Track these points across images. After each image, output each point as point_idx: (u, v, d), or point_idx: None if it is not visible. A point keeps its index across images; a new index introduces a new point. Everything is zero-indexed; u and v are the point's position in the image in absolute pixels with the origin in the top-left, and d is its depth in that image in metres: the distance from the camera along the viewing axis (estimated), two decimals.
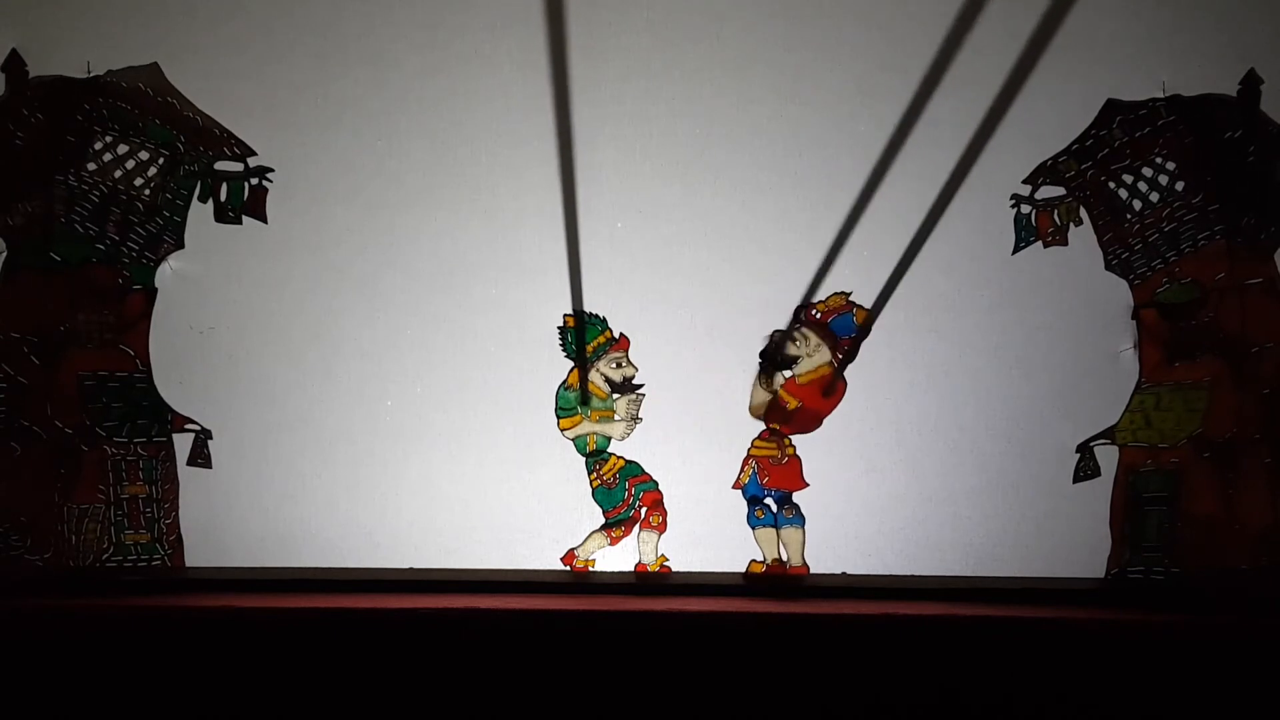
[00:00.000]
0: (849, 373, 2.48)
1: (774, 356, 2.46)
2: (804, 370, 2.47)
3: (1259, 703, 2.18)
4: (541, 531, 2.50)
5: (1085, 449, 2.48)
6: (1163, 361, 2.47)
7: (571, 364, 2.49)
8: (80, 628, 2.23)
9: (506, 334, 2.49)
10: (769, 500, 2.48)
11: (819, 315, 2.47)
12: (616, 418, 2.50)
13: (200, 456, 2.49)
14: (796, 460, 2.49)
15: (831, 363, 2.47)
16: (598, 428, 2.49)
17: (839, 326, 2.47)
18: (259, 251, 2.50)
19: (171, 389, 2.49)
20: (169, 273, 2.50)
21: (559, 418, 2.49)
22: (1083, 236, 2.49)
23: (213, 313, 2.50)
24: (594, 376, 2.49)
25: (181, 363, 2.50)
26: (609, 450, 2.49)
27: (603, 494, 2.49)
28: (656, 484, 2.50)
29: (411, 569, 2.49)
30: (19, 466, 2.45)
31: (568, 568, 2.49)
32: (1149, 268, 2.48)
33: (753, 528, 2.49)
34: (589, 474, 2.49)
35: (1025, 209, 2.48)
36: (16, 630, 2.24)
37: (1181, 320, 2.46)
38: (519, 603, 2.28)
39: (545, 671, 2.21)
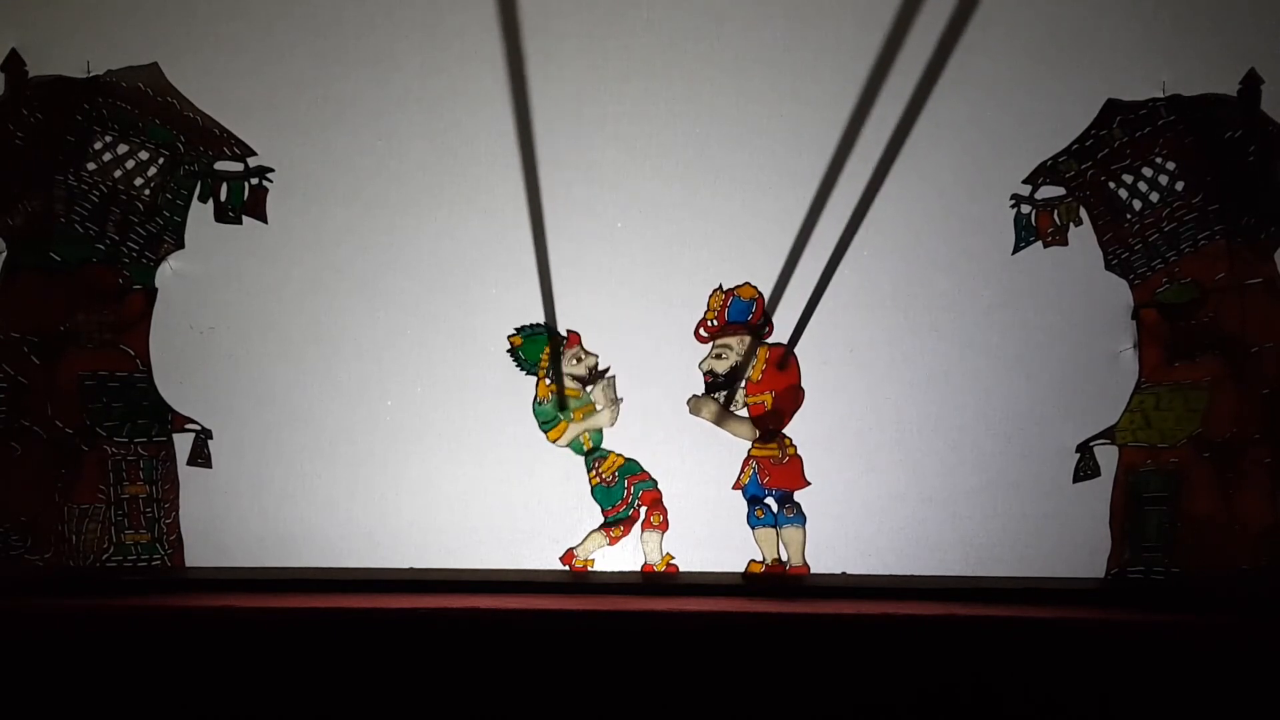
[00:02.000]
0: (849, 371, 2.48)
1: (719, 383, 2.46)
2: (748, 369, 2.47)
3: (1258, 703, 2.17)
4: (541, 531, 2.50)
5: (1085, 449, 2.48)
6: (1163, 361, 2.47)
7: (532, 380, 2.48)
8: (80, 628, 2.23)
9: (506, 334, 2.49)
10: (769, 500, 2.48)
11: (714, 323, 2.47)
12: (599, 408, 2.49)
13: (200, 456, 2.49)
14: (797, 459, 2.48)
15: (762, 343, 2.47)
16: (586, 424, 2.49)
17: (735, 314, 2.47)
18: (259, 251, 2.50)
19: (171, 389, 2.49)
20: (169, 273, 2.50)
21: (545, 432, 2.48)
22: (1083, 236, 2.49)
23: (213, 313, 2.50)
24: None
25: (181, 363, 2.50)
26: (605, 447, 2.49)
27: (601, 492, 2.49)
28: (656, 483, 2.50)
29: (411, 569, 2.49)
30: (19, 466, 2.45)
31: (567, 568, 2.49)
32: (1149, 268, 2.48)
33: (752, 528, 2.48)
34: (588, 472, 2.49)
35: (1025, 209, 2.48)
36: (16, 630, 2.23)
37: (1181, 320, 2.46)
38: (519, 603, 2.28)
39: (545, 672, 2.21)
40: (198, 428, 2.49)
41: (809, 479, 2.48)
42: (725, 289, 2.47)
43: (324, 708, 2.21)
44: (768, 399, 2.48)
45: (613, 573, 2.49)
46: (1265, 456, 2.44)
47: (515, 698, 2.21)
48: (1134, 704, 2.19)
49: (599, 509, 2.49)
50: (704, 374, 2.48)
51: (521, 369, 2.48)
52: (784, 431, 2.49)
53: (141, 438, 2.49)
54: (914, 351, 2.49)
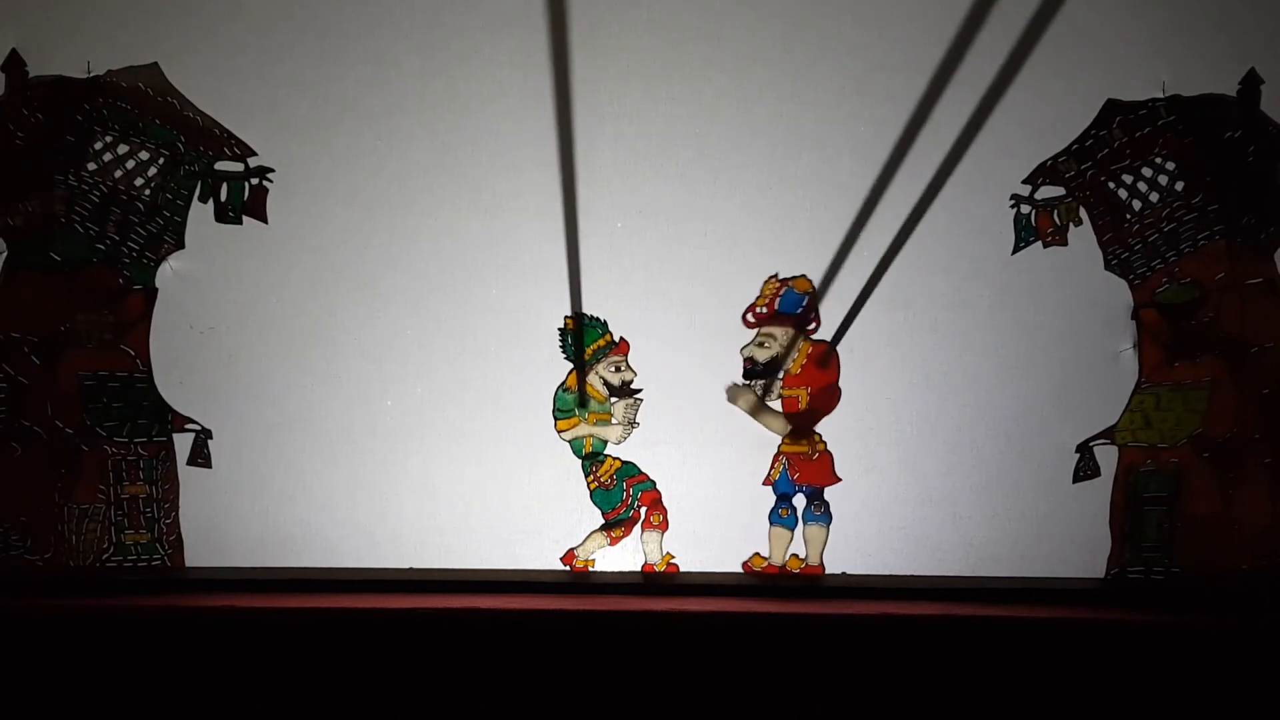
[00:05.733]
0: (849, 371, 2.48)
1: (757, 372, 2.46)
2: (788, 361, 2.47)
3: (1259, 702, 2.18)
4: (541, 531, 2.50)
5: (1085, 449, 2.48)
6: (1163, 361, 2.47)
7: (571, 366, 2.49)
8: (80, 628, 2.23)
9: (506, 334, 2.49)
10: (798, 498, 2.48)
11: (764, 310, 2.46)
12: (614, 421, 2.50)
13: (200, 456, 2.49)
14: (828, 455, 2.48)
15: (807, 337, 2.47)
16: (594, 430, 2.49)
17: (786, 305, 2.47)
18: (259, 251, 2.50)
19: (171, 389, 2.49)
20: (169, 273, 2.50)
21: (556, 419, 2.49)
22: (1083, 236, 2.49)
23: (213, 313, 2.50)
24: (592, 379, 2.49)
25: (181, 363, 2.50)
26: (605, 452, 2.49)
27: (600, 495, 2.49)
28: (654, 483, 2.50)
29: (411, 569, 2.49)
30: (19, 466, 2.45)
31: (567, 568, 2.49)
32: (1149, 268, 2.48)
33: (771, 524, 2.48)
34: (585, 476, 2.49)
35: (1025, 209, 2.48)
36: (16, 630, 2.24)
37: (1181, 320, 2.46)
38: (519, 603, 2.28)
39: (545, 672, 2.21)
40: (198, 428, 2.49)
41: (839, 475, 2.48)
42: (780, 278, 2.46)
43: (324, 708, 2.21)
44: (803, 394, 2.47)
45: (613, 573, 2.50)
46: (1265, 456, 2.44)
47: (515, 698, 2.21)
48: (1134, 704, 2.19)
49: (599, 513, 2.49)
50: (744, 360, 2.47)
51: (563, 352, 2.48)
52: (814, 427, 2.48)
53: (141, 438, 2.49)
54: (914, 351, 2.49)
